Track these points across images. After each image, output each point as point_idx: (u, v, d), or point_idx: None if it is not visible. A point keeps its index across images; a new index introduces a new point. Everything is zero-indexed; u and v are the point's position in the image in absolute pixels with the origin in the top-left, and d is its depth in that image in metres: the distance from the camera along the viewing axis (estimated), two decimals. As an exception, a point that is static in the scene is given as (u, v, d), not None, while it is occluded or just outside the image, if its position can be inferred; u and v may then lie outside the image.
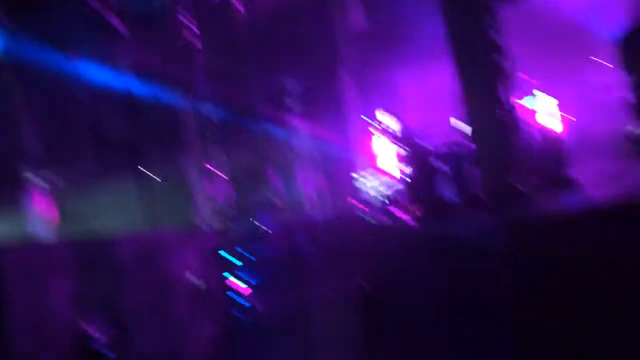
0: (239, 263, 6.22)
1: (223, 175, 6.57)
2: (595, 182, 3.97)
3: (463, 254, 3.49)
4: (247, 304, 6.18)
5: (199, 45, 6.43)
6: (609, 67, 9.54)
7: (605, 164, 5.71)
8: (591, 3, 10.62)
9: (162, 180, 5.68)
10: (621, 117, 3.54)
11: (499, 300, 2.85)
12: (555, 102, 9.42)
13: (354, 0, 13.61)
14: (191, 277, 4.85)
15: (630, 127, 3.52)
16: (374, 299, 6.86)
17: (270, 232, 6.32)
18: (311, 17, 13.76)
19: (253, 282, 6.52)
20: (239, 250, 6.33)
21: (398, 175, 9.74)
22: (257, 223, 6.58)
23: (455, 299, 3.89)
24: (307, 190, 14.91)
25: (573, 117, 10.21)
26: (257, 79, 13.63)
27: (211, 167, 6.23)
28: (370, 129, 10.04)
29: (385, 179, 11.01)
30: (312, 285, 9.77)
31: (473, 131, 5.38)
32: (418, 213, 5.21)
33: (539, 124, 7.60)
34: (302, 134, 15.07)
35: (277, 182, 5.96)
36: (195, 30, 6.35)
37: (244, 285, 6.27)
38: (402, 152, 6.97)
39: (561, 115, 10.00)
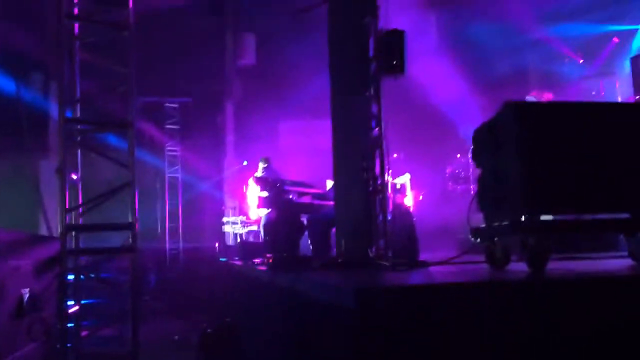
0: (71, 278, 5.76)
1: (79, 186, 6.14)
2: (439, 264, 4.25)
3: (309, 312, 3.54)
4: (70, 325, 5.70)
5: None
6: (467, 160, 10.54)
7: (450, 250, 6.17)
8: (458, 99, 11.78)
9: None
10: (469, 207, 3.87)
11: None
12: (418, 192, 10.16)
13: (248, 41, 13.90)
14: (17, 286, 4.40)
15: (471, 218, 3.85)
16: (215, 340, 6.70)
17: (116, 252, 5.94)
18: (204, 48, 13.79)
19: (83, 302, 6.07)
20: (78, 265, 5.88)
21: (262, 221, 9.78)
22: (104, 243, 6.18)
23: (293, 353, 3.91)
24: (166, 219, 14.45)
25: (432, 201, 11.06)
26: (140, 97, 13.19)
27: (71, 176, 5.80)
28: (250, 177, 10.07)
29: (249, 222, 11.02)
30: (146, 317, 9.31)
31: (338, 194, 5.54)
32: (272, 261, 5.22)
33: (401, 201, 8.09)
34: (176, 162, 14.72)
35: (136, 203, 5.67)
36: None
37: (71, 304, 5.80)
38: (271, 199, 7.00)
39: (421, 197, 10.77)
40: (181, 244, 14.34)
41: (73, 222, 5.73)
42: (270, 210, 7.20)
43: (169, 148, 14.80)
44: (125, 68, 5.88)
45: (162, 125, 14.78)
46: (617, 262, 3.88)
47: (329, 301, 2.99)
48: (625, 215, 3.48)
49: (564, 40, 13.00)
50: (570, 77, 13.10)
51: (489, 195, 3.69)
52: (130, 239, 5.57)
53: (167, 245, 14.30)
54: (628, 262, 3.62)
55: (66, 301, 5.40)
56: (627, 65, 8.02)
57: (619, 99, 9.24)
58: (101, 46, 6.27)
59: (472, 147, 4.05)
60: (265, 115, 14.11)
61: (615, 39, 12.33)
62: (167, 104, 14.80)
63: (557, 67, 13.58)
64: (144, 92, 12.83)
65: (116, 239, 5.94)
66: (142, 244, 5.98)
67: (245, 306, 6.61)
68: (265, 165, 9.78)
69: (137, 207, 5.64)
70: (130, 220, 5.59)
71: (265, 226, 7.72)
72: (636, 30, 11.73)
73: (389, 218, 5.51)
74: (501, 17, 12.47)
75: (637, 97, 7.11)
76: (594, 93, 10.73)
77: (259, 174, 9.57)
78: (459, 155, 11.23)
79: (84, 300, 6.09)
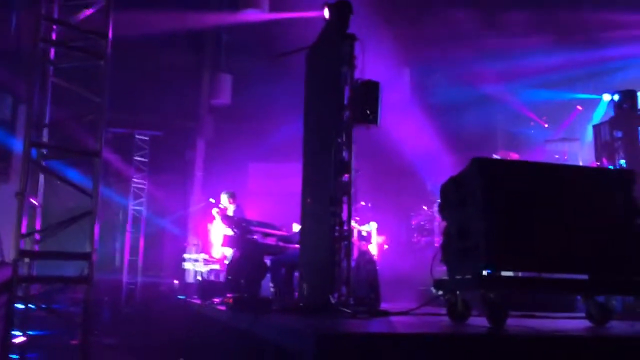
0: (20, 307, 5.54)
1: (38, 211, 5.98)
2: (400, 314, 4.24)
3: (267, 355, 3.46)
4: (15, 357, 5.44)
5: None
6: (433, 212, 10.68)
7: (411, 301, 6.17)
8: (427, 154, 12.03)
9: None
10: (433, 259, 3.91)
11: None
12: (382, 237, 10.21)
13: (224, 81, 14.01)
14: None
15: (434, 270, 3.88)
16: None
17: (70, 281, 5.75)
18: (180, 83, 13.85)
19: (30, 333, 5.82)
20: (29, 294, 5.66)
21: (225, 261, 9.63)
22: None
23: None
24: (126, 252, 14.10)
25: (396, 251, 11.11)
26: (110, 127, 13.07)
27: (30, 200, 5.65)
28: (213, 210, 9.97)
29: (211, 261, 10.84)
30: (97, 353, 8.95)
31: (303, 238, 5.52)
32: (232, 302, 5.11)
33: (366, 248, 8.10)
34: (141, 195, 14.49)
35: (95, 233, 5.53)
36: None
37: (18, 334, 5.55)
38: (236, 239, 6.92)
39: (386, 246, 10.82)
40: (139, 279, 13.96)
41: (28, 249, 5.55)
42: (235, 249, 7.11)
43: (135, 180, 14.58)
44: (97, 97, 5.84)
45: (130, 157, 14.61)
46: (574, 322, 3.93)
47: (288, 345, 2.93)
48: (583, 277, 3.55)
49: (531, 105, 13.55)
50: (536, 140, 13.57)
51: (453, 248, 3.73)
52: (86, 270, 5.41)
53: (125, 279, 13.90)
54: (585, 323, 3.68)
55: (11, 331, 5.17)
56: (589, 132, 8.37)
57: (581, 163, 9.57)
58: (74, 73, 6.24)
59: (438, 200, 4.12)
60: (236, 155, 14.11)
61: (579, 107, 12.88)
62: (137, 136, 14.66)
63: (523, 129, 14.08)
64: (114, 122, 12.73)
65: (72, 270, 5.76)
66: (98, 276, 5.80)
67: (201, 346, 6.43)
68: (233, 204, 9.71)
69: (96, 237, 5.51)
70: (88, 250, 5.44)
71: (227, 265, 7.61)
72: (599, 100, 12.29)
73: (353, 265, 5.50)
74: (472, 81, 12.95)
75: (598, 163, 7.39)
76: (557, 157, 11.11)
77: (230, 212, 9.48)
78: (425, 208, 11.37)
79: (31, 331, 5.84)
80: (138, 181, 14.59)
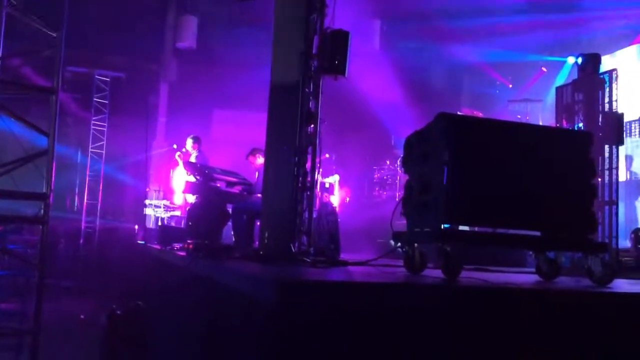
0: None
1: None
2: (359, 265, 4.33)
3: (225, 301, 3.50)
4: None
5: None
6: (396, 167, 10.80)
7: (370, 252, 6.28)
8: (393, 108, 12.07)
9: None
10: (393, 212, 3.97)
11: (251, 351, 2.88)
12: (344, 190, 10.29)
13: (190, 23, 13.56)
14: None
15: (394, 223, 3.94)
16: (123, 322, 6.48)
17: (26, 221, 5.64)
18: (144, 24, 13.34)
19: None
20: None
21: (186, 207, 9.57)
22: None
23: (205, 341, 3.86)
24: (85, 195, 13.84)
25: (358, 204, 11.24)
26: (68, 66, 12.57)
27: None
28: (176, 155, 9.83)
29: (173, 207, 10.76)
30: (53, 294, 8.91)
31: (266, 187, 5.51)
32: (192, 247, 5.11)
33: (328, 200, 8.17)
34: (101, 137, 14.11)
35: (52, 174, 5.39)
36: None
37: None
38: (198, 185, 6.86)
39: (348, 199, 10.92)
40: (98, 223, 13.78)
41: (-19, 188, 5.39)
42: (196, 196, 7.06)
43: (94, 122, 14.18)
44: (55, 31, 5.58)
45: (90, 98, 14.16)
46: (524, 277, 4.09)
47: (246, 292, 2.96)
48: (536, 234, 3.67)
49: (497, 66, 13.64)
50: (500, 100, 13.75)
51: (414, 202, 3.79)
52: (42, 211, 5.30)
53: (83, 223, 13.70)
54: (535, 277, 3.83)
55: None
56: (552, 94, 8.52)
57: (541, 124, 9.77)
58: (30, 5, 5.91)
59: (402, 154, 4.14)
60: (200, 100, 13.83)
61: (544, 69, 13.03)
62: (98, 76, 14.18)
63: (488, 89, 14.22)
64: (73, 60, 12.25)
65: (28, 211, 5.63)
66: (55, 218, 5.69)
67: (159, 291, 6.45)
68: (196, 150, 9.60)
69: (53, 178, 5.38)
70: (44, 190, 5.31)
71: (188, 211, 7.57)
72: (563, 62, 12.45)
73: (315, 216, 5.55)
74: (441, 38, 12.90)
75: (558, 124, 7.54)
76: (519, 117, 11.29)
77: (192, 159, 9.37)
78: (388, 162, 11.48)
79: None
80: (98, 123, 14.20)
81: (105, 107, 14.24)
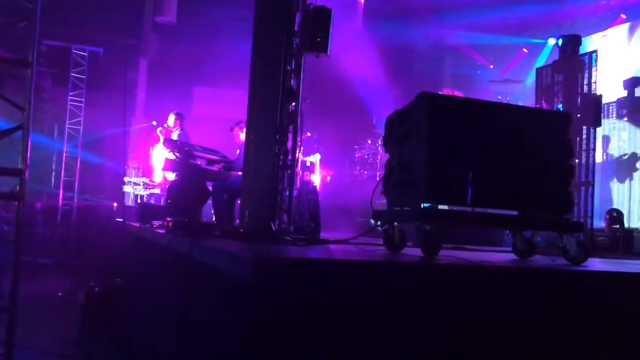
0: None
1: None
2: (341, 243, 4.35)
3: (205, 279, 3.49)
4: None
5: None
6: (377, 147, 10.82)
7: (350, 231, 6.32)
8: (375, 87, 12.06)
9: None
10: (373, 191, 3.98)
11: (230, 329, 2.89)
12: (327, 173, 10.28)
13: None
14: None
15: (374, 201, 3.96)
16: (101, 300, 6.47)
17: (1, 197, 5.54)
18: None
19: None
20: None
21: (166, 185, 9.49)
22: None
23: (184, 319, 3.86)
24: (62, 171, 13.63)
25: (338, 183, 11.26)
26: (44, 39, 12.27)
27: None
28: (157, 130, 9.72)
29: (152, 185, 10.67)
30: (30, 271, 8.83)
31: (247, 165, 5.48)
32: (171, 225, 5.09)
33: (309, 179, 8.17)
34: (78, 113, 13.87)
35: (28, 149, 5.29)
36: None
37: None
38: (178, 163, 6.79)
39: (329, 178, 10.93)
40: (76, 200, 13.61)
41: (-45, 163, 5.27)
42: (177, 174, 7.00)
43: (72, 98, 13.92)
44: (30, 3, 5.42)
45: (67, 73, 13.86)
46: (501, 255, 4.15)
47: (226, 270, 2.96)
48: (513, 213, 3.72)
49: (478, 47, 13.67)
50: (481, 80, 13.80)
51: (394, 181, 3.80)
52: (17, 187, 5.20)
53: (61, 199, 13.52)
54: (511, 256, 3.89)
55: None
56: (533, 75, 8.57)
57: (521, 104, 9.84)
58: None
59: (383, 133, 4.15)
60: (180, 77, 13.65)
61: (525, 50, 13.09)
62: (75, 51, 13.88)
63: (469, 70, 14.26)
64: (49, 34, 11.97)
65: (3, 187, 5.53)
66: (32, 195, 5.60)
67: (137, 269, 6.42)
68: (178, 127, 9.50)
69: (29, 154, 5.27)
70: (20, 166, 5.21)
71: (168, 188, 7.51)
72: (544, 44, 12.51)
73: (295, 194, 5.55)
74: (424, 18, 12.86)
75: (538, 104, 7.60)
76: (499, 97, 11.36)
77: (174, 136, 9.28)
78: (369, 141, 11.49)
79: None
80: (75, 99, 13.94)
81: (82, 83, 13.97)
